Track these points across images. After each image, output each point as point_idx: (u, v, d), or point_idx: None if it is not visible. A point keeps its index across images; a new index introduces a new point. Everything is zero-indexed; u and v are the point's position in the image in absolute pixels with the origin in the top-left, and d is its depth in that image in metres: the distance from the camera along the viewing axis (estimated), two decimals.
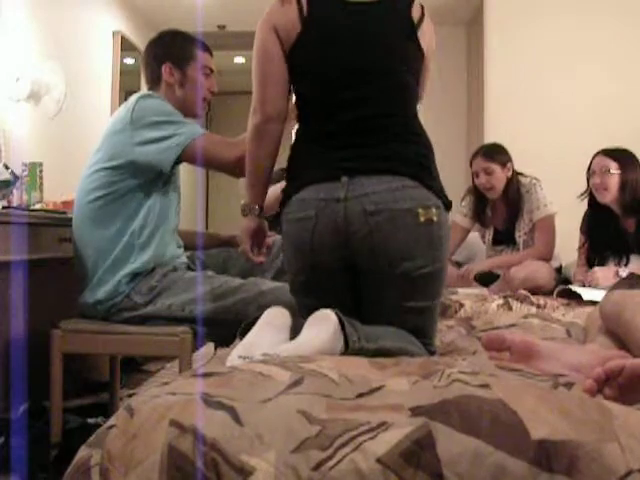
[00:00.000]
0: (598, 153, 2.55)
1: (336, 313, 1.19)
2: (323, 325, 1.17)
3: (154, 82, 2.00)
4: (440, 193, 1.38)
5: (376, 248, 1.33)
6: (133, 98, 1.86)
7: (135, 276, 1.81)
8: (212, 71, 2.03)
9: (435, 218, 1.33)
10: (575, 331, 1.56)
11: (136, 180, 1.82)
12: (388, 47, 1.44)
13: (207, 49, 2.03)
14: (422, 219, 1.32)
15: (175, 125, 1.79)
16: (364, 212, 1.32)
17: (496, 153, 2.81)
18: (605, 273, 2.39)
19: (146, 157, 1.78)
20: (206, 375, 0.91)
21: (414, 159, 1.38)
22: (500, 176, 2.77)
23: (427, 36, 1.48)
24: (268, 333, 1.22)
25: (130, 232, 1.82)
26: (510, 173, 2.79)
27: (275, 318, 1.26)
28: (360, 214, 1.32)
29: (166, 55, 1.96)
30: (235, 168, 1.80)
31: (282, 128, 1.50)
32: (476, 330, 1.68)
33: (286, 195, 1.43)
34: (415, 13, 1.45)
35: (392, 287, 1.35)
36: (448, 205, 1.40)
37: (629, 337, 1.16)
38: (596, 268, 2.46)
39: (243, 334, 1.28)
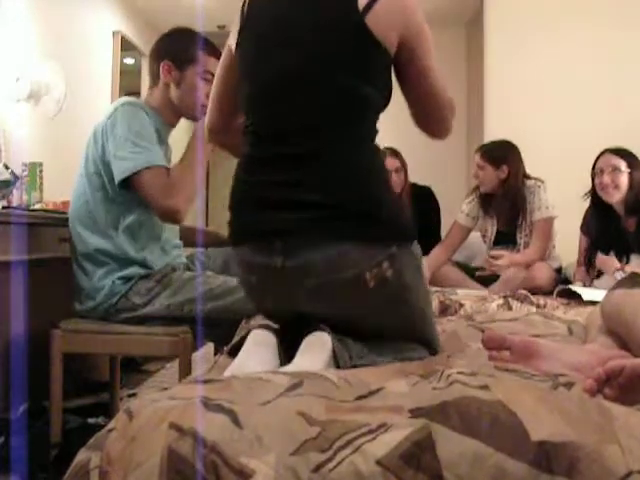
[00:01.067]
0: (604, 152, 2.54)
1: (331, 337, 1.12)
2: (317, 354, 1.10)
3: (153, 79, 1.97)
4: (394, 233, 1.17)
5: (328, 319, 1.17)
6: (115, 105, 1.84)
7: (130, 279, 1.81)
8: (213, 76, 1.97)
9: (389, 273, 1.14)
10: (576, 329, 1.55)
11: (117, 188, 1.80)
12: (316, 45, 1.16)
13: (214, 53, 1.94)
14: (372, 284, 1.14)
15: (137, 148, 1.73)
16: (304, 288, 1.17)
17: (493, 152, 2.81)
18: (613, 262, 2.39)
19: (109, 167, 1.77)
20: (205, 381, 0.91)
21: (355, 206, 1.14)
22: (490, 173, 2.77)
23: (389, 18, 1.15)
24: (257, 353, 1.17)
25: (119, 242, 1.81)
26: (504, 175, 2.77)
27: (263, 338, 1.20)
28: (301, 290, 1.17)
29: (167, 53, 1.93)
30: (162, 215, 1.77)
31: (228, 138, 1.46)
32: (477, 322, 1.68)
33: (229, 240, 1.29)
34: None
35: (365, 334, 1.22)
36: (410, 235, 1.21)
37: (630, 337, 1.16)
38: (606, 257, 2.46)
39: (232, 354, 1.26)
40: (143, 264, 1.83)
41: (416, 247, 1.23)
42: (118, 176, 1.73)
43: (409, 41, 1.19)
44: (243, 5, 1.30)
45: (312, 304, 1.19)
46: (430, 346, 1.28)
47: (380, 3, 1.14)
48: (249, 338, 1.21)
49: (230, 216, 1.28)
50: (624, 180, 2.45)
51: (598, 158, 2.55)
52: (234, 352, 1.25)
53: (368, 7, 1.13)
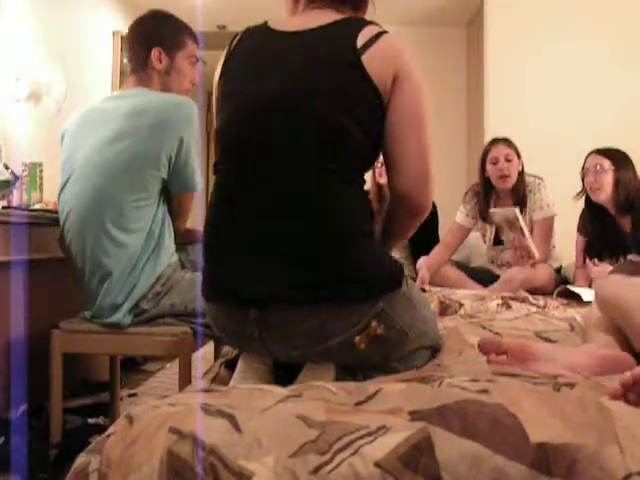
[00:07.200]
0: (592, 152, 2.56)
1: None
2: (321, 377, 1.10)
3: (139, 65, 1.88)
4: (379, 289, 1.09)
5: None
6: (176, 100, 1.75)
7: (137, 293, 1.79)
8: (197, 60, 1.94)
9: (380, 329, 1.08)
10: (577, 326, 1.56)
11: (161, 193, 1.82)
12: (301, 74, 1.11)
13: (195, 38, 1.93)
14: (363, 345, 1.08)
15: (197, 168, 1.80)
16: (289, 358, 1.15)
17: (512, 143, 2.82)
18: (605, 269, 2.38)
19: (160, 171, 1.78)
20: (205, 390, 0.92)
21: (333, 268, 1.06)
22: (517, 165, 2.78)
23: (384, 59, 1.13)
24: (253, 374, 1.18)
25: (138, 254, 1.78)
26: (520, 167, 2.80)
27: (255, 361, 1.20)
28: (286, 359, 1.16)
29: (157, 39, 1.86)
30: (178, 233, 1.90)
31: None
32: (478, 319, 1.68)
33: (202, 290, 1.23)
34: (363, 37, 1.12)
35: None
36: (396, 282, 1.11)
37: (628, 322, 1.16)
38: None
39: (229, 366, 1.26)
40: (153, 280, 1.80)
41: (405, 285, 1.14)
42: (182, 187, 1.78)
43: (401, 84, 1.14)
44: (232, 40, 1.27)
45: (300, 360, 1.16)
46: (433, 346, 1.26)
47: (378, 44, 1.12)
48: (241, 361, 1.20)
49: (203, 261, 1.21)
50: (607, 179, 2.45)
51: (586, 158, 2.57)
52: (230, 364, 1.26)
53: (366, 46, 1.11)
